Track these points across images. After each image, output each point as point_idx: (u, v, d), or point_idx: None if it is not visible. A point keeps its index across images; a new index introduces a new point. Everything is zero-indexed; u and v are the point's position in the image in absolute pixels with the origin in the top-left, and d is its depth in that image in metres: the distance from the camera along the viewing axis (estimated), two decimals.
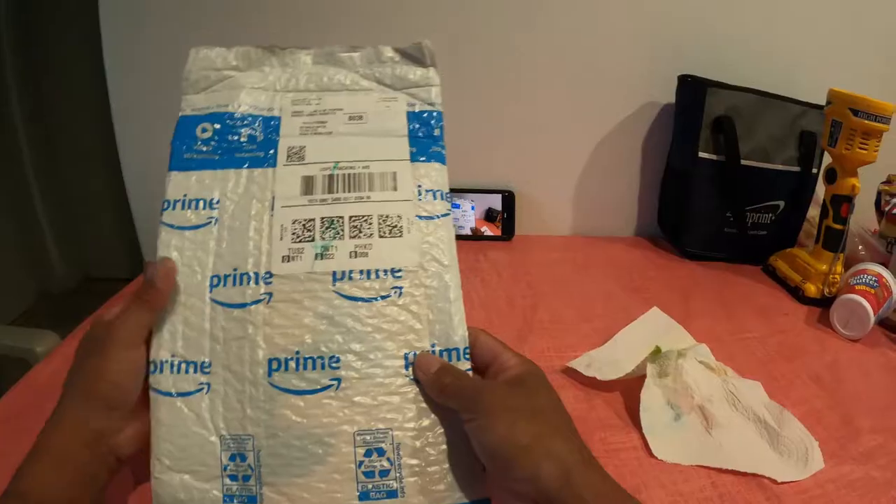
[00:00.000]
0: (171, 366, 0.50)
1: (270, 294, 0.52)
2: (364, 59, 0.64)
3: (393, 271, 0.53)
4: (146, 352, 0.50)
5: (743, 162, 1.11)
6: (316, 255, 0.53)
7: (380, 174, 0.57)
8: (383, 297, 0.52)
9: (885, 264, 1.02)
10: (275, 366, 0.50)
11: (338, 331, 0.51)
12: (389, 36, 1.13)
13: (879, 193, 1.23)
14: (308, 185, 0.56)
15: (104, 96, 1.17)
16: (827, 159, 1.06)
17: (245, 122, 0.59)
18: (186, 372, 0.50)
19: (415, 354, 0.51)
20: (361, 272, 0.52)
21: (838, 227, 1.02)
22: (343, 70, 0.63)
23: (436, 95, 0.63)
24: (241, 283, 0.52)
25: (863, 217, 1.12)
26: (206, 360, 0.50)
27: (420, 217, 0.55)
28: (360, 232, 0.53)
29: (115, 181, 1.29)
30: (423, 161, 0.58)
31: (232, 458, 0.49)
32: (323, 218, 0.54)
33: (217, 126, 0.59)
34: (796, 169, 1.15)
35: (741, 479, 0.64)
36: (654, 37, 1.20)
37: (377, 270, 0.52)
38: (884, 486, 0.65)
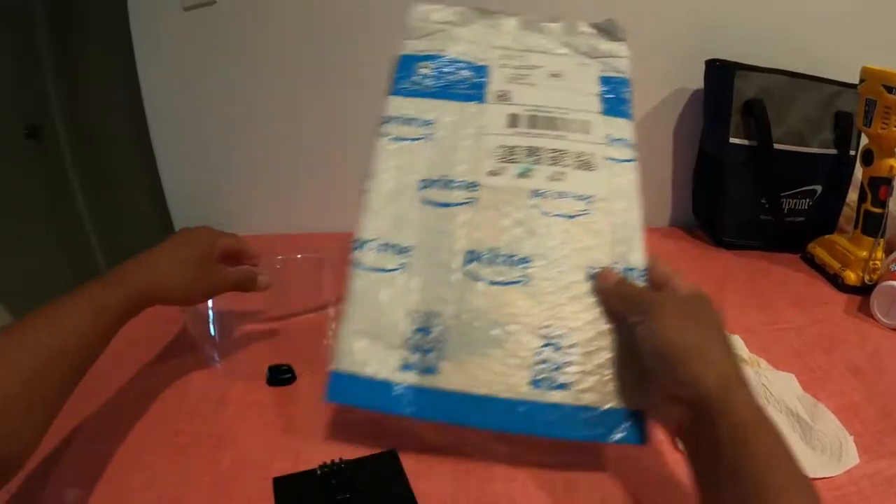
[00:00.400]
0: (376, 245, 0.61)
1: (475, 199, 0.62)
2: (562, 30, 0.76)
3: (584, 197, 0.62)
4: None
5: (776, 146, 1.07)
6: (518, 173, 0.64)
7: (575, 120, 0.68)
8: (573, 217, 0.61)
9: None
10: (471, 258, 0.59)
11: (531, 238, 0.60)
12: None
13: None
14: (513, 120, 0.68)
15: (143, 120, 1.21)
16: (864, 140, 1.02)
17: (459, 65, 0.72)
18: (388, 252, 0.60)
19: (597, 269, 0.59)
20: (557, 193, 0.62)
21: (877, 210, 0.98)
22: (544, 36, 0.75)
23: (625, 66, 0.75)
24: (448, 188, 0.63)
25: None
26: (409, 245, 0.60)
27: (609, 159, 0.66)
28: (557, 162, 0.64)
29: (158, 200, 1.31)
30: (612, 116, 0.69)
31: (418, 330, 0.57)
32: (526, 146, 0.65)
33: (434, 65, 0.71)
34: (833, 152, 1.11)
35: None
36: (681, 21, 1.17)
37: (571, 194, 0.62)
38: None
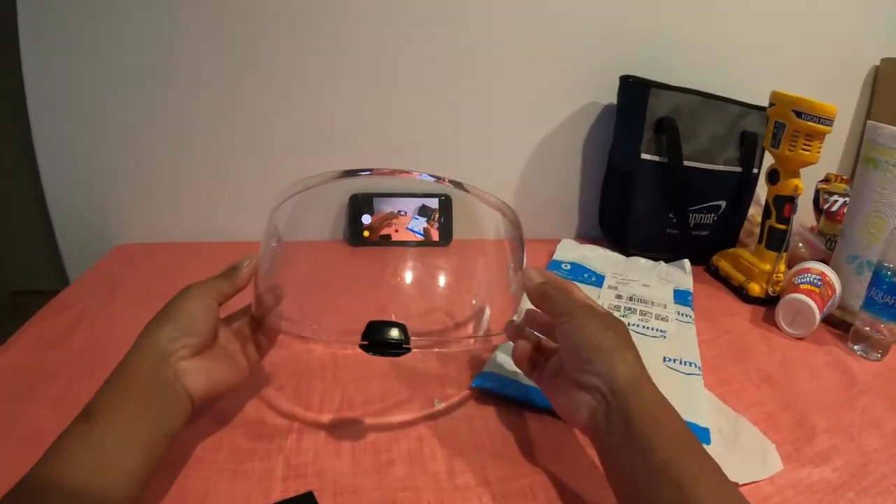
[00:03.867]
0: None
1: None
2: (650, 265, 1.16)
3: (661, 331, 0.91)
4: (216, 310, 0.62)
5: (685, 163, 1.11)
6: (621, 315, 0.95)
7: (657, 303, 0.99)
8: (654, 338, 0.89)
9: (825, 261, 1.03)
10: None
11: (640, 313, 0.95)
12: (335, 38, 1.10)
13: (818, 192, 1.26)
14: (618, 298, 1.01)
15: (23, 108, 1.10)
16: (768, 160, 1.07)
17: (586, 271, 1.11)
18: None
19: (669, 360, 0.83)
20: (644, 327, 0.92)
21: (781, 227, 1.03)
22: (640, 266, 1.15)
23: (689, 285, 1.07)
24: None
25: (799, 214, 1.13)
26: None
27: (677, 320, 0.95)
28: (644, 315, 0.95)
29: (35, 193, 1.21)
30: (679, 304, 1.00)
31: None
32: (624, 307, 0.98)
33: (571, 267, 1.13)
34: (738, 169, 1.16)
35: None
36: (596, 36, 1.20)
37: (652, 328, 0.92)
38: (841, 488, 0.64)
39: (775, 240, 1.04)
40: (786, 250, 1.03)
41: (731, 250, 1.14)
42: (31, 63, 1.06)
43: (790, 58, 1.32)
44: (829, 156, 1.55)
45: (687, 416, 0.59)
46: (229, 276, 0.65)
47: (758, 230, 1.09)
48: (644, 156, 1.12)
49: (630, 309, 0.97)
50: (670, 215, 1.16)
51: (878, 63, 1.49)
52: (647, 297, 1.01)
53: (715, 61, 1.24)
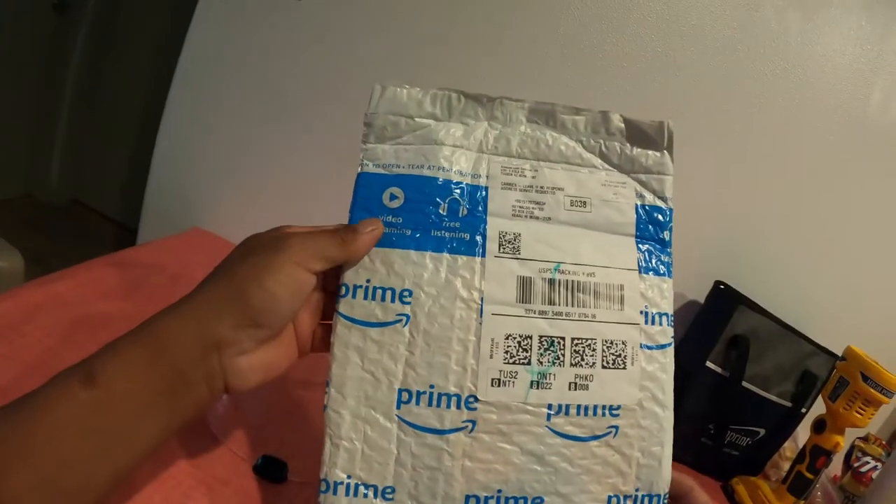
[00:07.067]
0: (347, 488, 0.45)
1: (474, 422, 0.47)
2: (589, 126, 0.54)
3: (611, 408, 0.49)
4: (312, 285, 0.45)
5: (743, 383, 1.14)
6: (531, 382, 0.48)
7: (606, 285, 0.50)
8: (598, 437, 0.49)
9: None
10: (473, 503, 0.46)
11: (546, 471, 0.47)
12: None
13: (853, 447, 1.26)
14: (525, 289, 0.49)
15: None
16: (818, 406, 1.08)
17: (445, 189, 0.50)
18: (365, 497, 0.45)
19: (618, 499, 0.49)
20: (579, 407, 0.48)
21: (810, 476, 1.04)
22: (563, 136, 0.54)
23: (669, 188, 0.55)
24: (438, 405, 0.46)
25: None
26: (390, 485, 0.46)
27: (644, 346, 0.51)
28: (583, 360, 0.49)
29: (142, 141, 1.32)
30: (651, 275, 0.52)
31: None
32: (542, 337, 0.49)
33: (409, 192, 0.49)
34: (787, 404, 1.18)
35: None
36: (699, 235, 1.24)
37: (596, 406, 0.49)
38: None
39: (799, 487, 1.05)
40: (805, 499, 1.03)
41: (752, 479, 1.15)
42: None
43: (875, 316, 1.33)
44: (877, 416, 1.54)
45: None
46: (344, 236, 0.46)
47: (784, 465, 1.10)
48: (709, 364, 1.14)
49: (550, 347, 0.47)
50: (710, 426, 1.17)
51: None
52: (584, 274, 0.52)
53: (804, 292, 1.27)
